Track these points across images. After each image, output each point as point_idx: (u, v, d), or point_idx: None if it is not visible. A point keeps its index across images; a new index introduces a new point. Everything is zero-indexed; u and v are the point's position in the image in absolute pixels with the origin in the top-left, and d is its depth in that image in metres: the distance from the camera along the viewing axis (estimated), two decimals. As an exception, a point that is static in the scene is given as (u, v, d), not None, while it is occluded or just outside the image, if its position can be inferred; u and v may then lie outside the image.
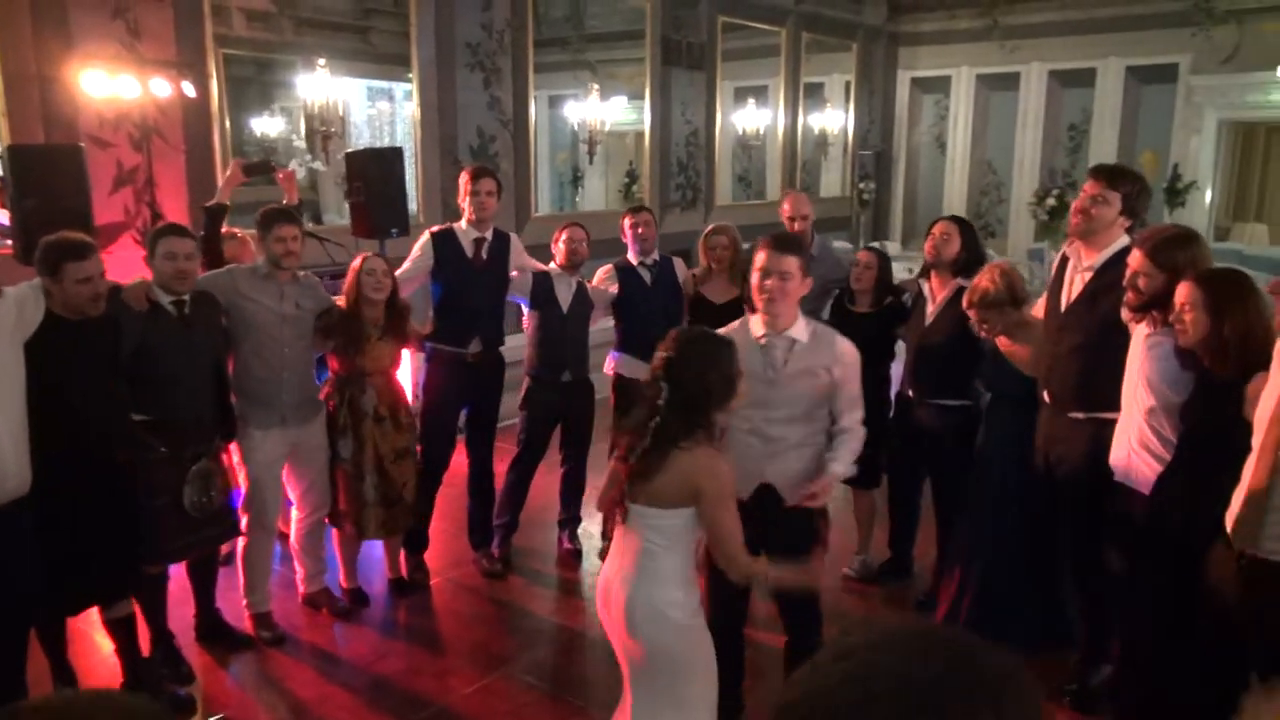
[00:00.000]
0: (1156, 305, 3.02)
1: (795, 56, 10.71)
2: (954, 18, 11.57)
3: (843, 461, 3.05)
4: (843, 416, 3.08)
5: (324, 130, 6.98)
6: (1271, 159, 12.79)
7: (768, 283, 2.92)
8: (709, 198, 9.97)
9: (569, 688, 3.81)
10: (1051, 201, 10.11)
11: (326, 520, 4.28)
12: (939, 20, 11.76)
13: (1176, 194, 10.27)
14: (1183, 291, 2.80)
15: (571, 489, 4.98)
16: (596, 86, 8.70)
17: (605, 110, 8.79)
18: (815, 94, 11.48)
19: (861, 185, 11.05)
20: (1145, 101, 10.97)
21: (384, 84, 8.52)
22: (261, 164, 4.69)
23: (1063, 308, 3.53)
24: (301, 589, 4.33)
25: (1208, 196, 10.65)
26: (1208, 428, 2.86)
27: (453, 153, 7.56)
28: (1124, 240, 3.41)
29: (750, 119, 10.30)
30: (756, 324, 3.03)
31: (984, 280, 3.72)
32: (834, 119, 11.38)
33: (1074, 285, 3.50)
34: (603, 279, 4.88)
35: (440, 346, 4.56)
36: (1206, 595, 2.70)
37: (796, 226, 4.78)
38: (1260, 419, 2.53)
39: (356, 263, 4.15)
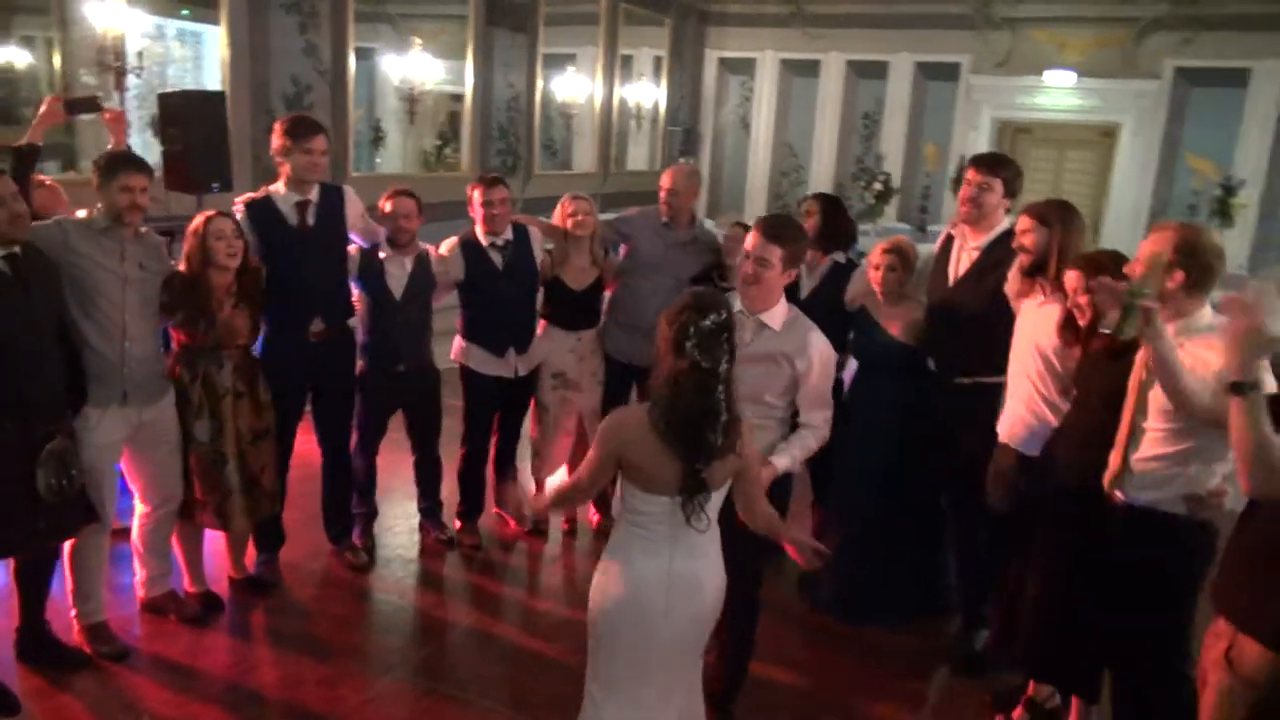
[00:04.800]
0: (1043, 269, 3.28)
1: (613, 26, 10.60)
2: (761, 2, 11.89)
3: (788, 455, 3.00)
4: (804, 413, 3.05)
5: (116, 65, 6.13)
6: (1019, 158, 14.23)
7: (747, 265, 2.94)
8: (528, 165, 9.71)
9: (469, 689, 3.54)
10: (878, 186, 10.66)
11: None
12: (747, 3, 12.05)
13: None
14: (1072, 279, 3.02)
15: (427, 476, 4.60)
16: (419, 42, 8.20)
17: (428, 69, 8.31)
18: (626, 66, 11.43)
19: (682, 161, 11.14)
20: (931, 96, 11.79)
21: (160, 20, 7.60)
22: (87, 101, 3.95)
23: (950, 282, 3.74)
24: (141, 593, 3.77)
25: (982, 188, 11.63)
26: (1104, 392, 2.99)
27: (265, 101, 6.89)
28: (1006, 222, 3.68)
29: (570, 87, 10.10)
30: (739, 298, 3.01)
31: (901, 239, 4.03)
32: (645, 93, 11.38)
33: (960, 262, 3.74)
34: (447, 255, 4.35)
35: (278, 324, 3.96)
36: (1098, 547, 2.89)
37: (665, 201, 4.45)
38: (1130, 385, 2.78)
39: (198, 222, 3.58)
